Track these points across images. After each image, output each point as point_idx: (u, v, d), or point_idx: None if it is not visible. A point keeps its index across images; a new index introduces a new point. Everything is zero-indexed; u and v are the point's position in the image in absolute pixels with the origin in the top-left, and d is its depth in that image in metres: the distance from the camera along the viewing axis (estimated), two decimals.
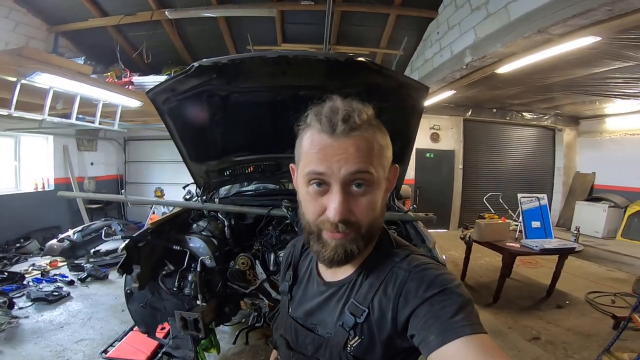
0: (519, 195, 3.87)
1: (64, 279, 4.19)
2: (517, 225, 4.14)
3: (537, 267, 4.77)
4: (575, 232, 4.02)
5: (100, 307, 3.54)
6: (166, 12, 4.66)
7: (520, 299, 3.75)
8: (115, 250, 5.33)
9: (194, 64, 1.66)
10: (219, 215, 2.38)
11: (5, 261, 4.77)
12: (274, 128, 2.22)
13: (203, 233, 2.25)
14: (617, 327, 2.99)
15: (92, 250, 5.15)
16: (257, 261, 2.11)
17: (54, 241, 5.16)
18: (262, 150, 2.41)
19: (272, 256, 2.11)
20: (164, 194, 6.53)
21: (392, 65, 5.65)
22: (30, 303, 3.53)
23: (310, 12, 5.20)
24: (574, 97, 5.68)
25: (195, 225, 2.34)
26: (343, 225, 0.61)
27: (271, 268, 2.11)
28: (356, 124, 0.60)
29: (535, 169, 7.33)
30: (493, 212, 4.89)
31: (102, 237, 5.42)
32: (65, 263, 4.80)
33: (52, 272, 4.45)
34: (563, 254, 3.66)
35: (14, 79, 2.76)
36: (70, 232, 5.29)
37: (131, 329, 2.99)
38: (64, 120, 3.48)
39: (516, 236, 3.83)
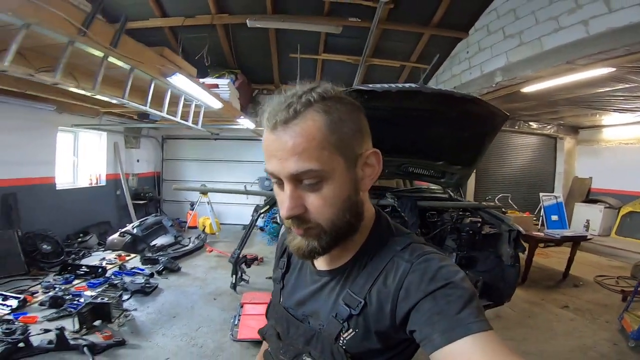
0: (541, 194, 4.63)
1: (142, 272, 4.38)
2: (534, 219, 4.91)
3: (548, 257, 5.54)
4: (586, 224, 4.81)
5: (193, 297, 3.81)
6: (247, 21, 5.06)
7: (542, 280, 4.52)
8: (171, 245, 5.80)
9: (354, 87, 2.24)
10: None
11: (73, 255, 5.01)
12: (381, 137, 2.85)
13: None
14: (625, 299, 3.76)
15: (151, 244, 5.57)
16: None
17: (115, 235, 5.51)
18: None
19: None
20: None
21: (420, 77, 6.32)
22: (128, 296, 3.71)
23: (352, 27, 5.63)
24: (577, 110, 6.50)
25: None
26: (297, 221, 0.60)
27: None
28: (296, 112, 0.55)
29: (538, 173, 8.15)
30: (506, 210, 5.64)
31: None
32: (132, 257, 5.16)
33: (127, 265, 4.70)
34: (577, 241, 4.43)
35: (150, 78, 3.16)
36: (129, 227, 5.67)
37: (239, 313, 3.32)
38: (172, 117, 3.92)
39: (539, 228, 4.59)
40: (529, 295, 4.01)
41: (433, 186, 3.75)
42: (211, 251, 5.73)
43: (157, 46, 4.65)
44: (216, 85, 4.94)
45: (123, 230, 5.59)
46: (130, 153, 7.03)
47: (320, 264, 0.71)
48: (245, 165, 7.75)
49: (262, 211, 3.98)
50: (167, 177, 8.05)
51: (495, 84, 4.77)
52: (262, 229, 7.06)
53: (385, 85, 2.27)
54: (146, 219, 6.03)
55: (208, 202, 6.80)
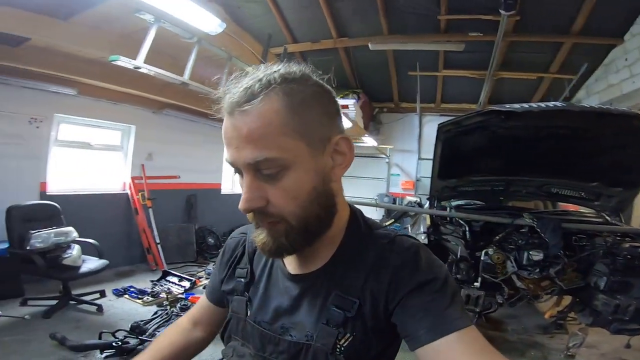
0: None
1: None
2: None
3: None
4: None
5: None
6: (369, 44, 5.44)
7: None
8: None
9: (489, 108, 2.33)
10: (461, 222, 3.04)
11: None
12: (517, 156, 2.82)
13: (453, 234, 2.94)
14: None
15: None
16: (511, 256, 2.65)
17: None
18: (498, 173, 3.01)
19: (525, 254, 2.57)
20: None
21: (565, 90, 5.70)
22: None
23: (474, 42, 5.44)
24: None
25: (443, 227, 3.06)
26: (259, 215, 0.54)
27: (524, 263, 2.59)
28: (253, 95, 0.50)
29: None
30: None
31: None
32: None
33: None
34: None
35: None
36: None
37: None
38: None
39: None
40: None
41: (583, 209, 3.41)
42: None
43: None
44: (347, 107, 5.44)
45: None
46: None
47: (295, 268, 0.63)
48: (365, 181, 8.13)
49: (386, 224, 4.24)
50: None
51: None
52: None
53: (526, 105, 2.26)
54: None
55: None
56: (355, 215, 0.65)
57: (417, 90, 6.75)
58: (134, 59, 2.44)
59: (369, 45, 5.55)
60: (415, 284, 0.55)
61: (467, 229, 2.92)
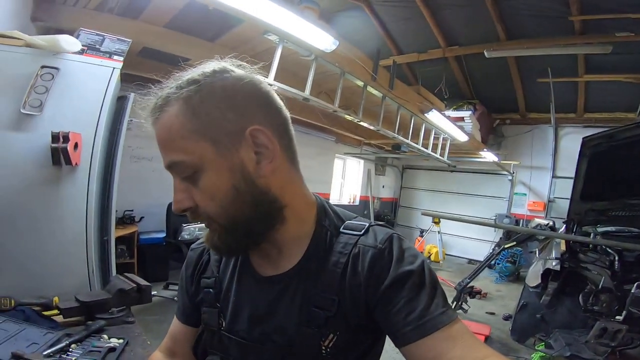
0: None
1: None
2: None
3: None
4: None
5: None
6: (485, 52, 5.05)
7: None
8: None
9: None
10: (609, 250, 2.55)
11: None
12: None
13: (596, 264, 2.49)
14: None
15: None
16: None
17: None
18: None
19: None
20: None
21: None
22: None
23: (623, 42, 4.55)
24: None
25: (582, 255, 2.61)
26: (193, 215, 0.54)
27: None
28: (160, 103, 0.52)
29: None
30: None
31: None
32: None
33: None
34: None
35: (412, 113, 3.77)
36: None
37: None
38: (425, 150, 4.51)
39: None
40: None
41: None
42: None
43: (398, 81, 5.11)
44: (462, 119, 5.12)
45: None
46: (377, 179, 8.27)
47: (266, 269, 0.61)
48: (482, 199, 7.44)
49: (507, 245, 3.84)
50: (402, 204, 8.86)
51: None
52: (491, 266, 6.55)
53: None
54: None
55: (438, 232, 6.95)
56: (324, 207, 0.62)
57: (550, 99, 5.90)
58: (264, 76, 2.76)
59: (485, 52, 5.15)
60: (393, 277, 0.53)
61: (616, 258, 2.48)
